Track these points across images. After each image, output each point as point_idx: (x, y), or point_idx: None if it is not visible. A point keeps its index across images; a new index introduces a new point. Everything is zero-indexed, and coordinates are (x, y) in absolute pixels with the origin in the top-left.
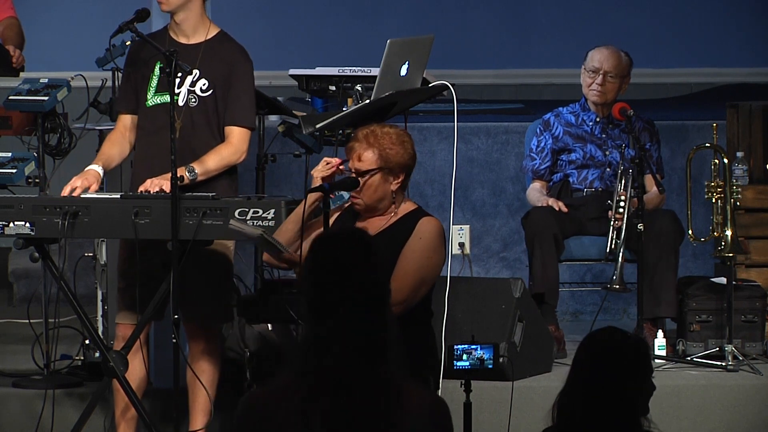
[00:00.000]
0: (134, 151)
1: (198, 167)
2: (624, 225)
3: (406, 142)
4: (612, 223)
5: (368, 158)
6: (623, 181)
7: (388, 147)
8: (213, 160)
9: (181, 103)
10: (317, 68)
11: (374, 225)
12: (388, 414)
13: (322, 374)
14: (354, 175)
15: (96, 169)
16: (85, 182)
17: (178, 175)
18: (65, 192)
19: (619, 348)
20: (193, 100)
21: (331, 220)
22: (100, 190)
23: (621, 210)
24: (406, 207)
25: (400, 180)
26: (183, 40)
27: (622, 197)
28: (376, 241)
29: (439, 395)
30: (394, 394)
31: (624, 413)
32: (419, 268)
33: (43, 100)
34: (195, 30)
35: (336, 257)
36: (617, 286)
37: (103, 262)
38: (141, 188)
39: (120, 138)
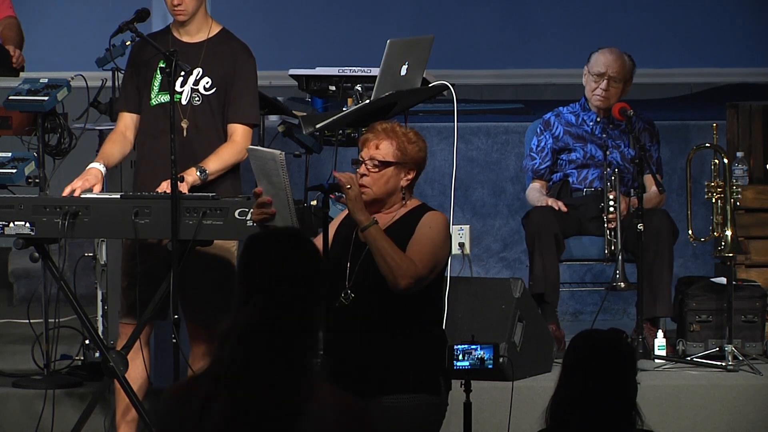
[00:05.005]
0: (137, 152)
1: (208, 167)
2: (619, 225)
3: (422, 142)
4: (605, 224)
5: (386, 148)
6: (611, 181)
7: (407, 142)
8: (220, 161)
9: (184, 102)
10: (317, 68)
11: (379, 220)
12: (281, 411)
13: (225, 366)
14: (367, 164)
15: (97, 167)
16: (86, 183)
17: (190, 179)
18: (66, 193)
19: (601, 347)
20: (197, 98)
21: (337, 221)
22: (102, 189)
23: (612, 210)
24: (413, 203)
25: (411, 177)
26: (186, 39)
27: (611, 197)
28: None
29: (355, 399)
30: (293, 392)
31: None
32: (432, 250)
33: (43, 100)
34: (199, 29)
35: (261, 253)
36: (622, 284)
37: (103, 262)
38: (158, 190)
39: (120, 137)
